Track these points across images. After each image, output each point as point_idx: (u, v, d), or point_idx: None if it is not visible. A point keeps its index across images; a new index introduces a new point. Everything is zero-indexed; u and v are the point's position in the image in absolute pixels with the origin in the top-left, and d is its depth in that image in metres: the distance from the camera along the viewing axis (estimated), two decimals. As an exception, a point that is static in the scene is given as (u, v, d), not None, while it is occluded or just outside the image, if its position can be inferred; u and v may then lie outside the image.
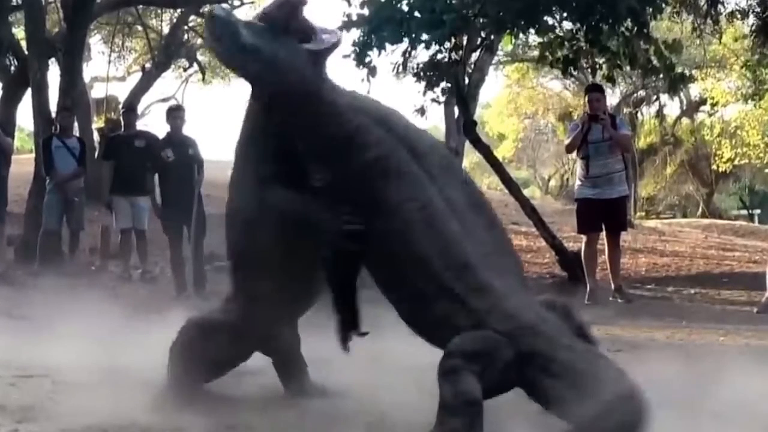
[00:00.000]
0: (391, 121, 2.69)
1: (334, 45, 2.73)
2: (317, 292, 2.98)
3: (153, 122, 22.47)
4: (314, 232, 2.64)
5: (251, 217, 2.83)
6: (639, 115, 22.89)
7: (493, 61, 16.91)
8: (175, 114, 7.97)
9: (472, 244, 2.49)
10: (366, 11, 8.70)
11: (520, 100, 24.31)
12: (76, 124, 11.00)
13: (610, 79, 9.62)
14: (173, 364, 2.98)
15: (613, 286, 7.24)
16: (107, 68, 18.43)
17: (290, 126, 2.73)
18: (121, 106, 14.81)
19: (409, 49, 8.89)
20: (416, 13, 8.27)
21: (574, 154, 7.84)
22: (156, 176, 7.76)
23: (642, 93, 21.69)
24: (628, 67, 9.87)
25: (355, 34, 8.71)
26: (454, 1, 8.49)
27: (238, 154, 2.94)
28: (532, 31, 9.28)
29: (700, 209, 23.60)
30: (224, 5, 2.60)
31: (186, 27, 17.58)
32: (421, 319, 2.55)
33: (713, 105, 21.27)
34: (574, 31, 8.94)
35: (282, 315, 2.99)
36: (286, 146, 2.73)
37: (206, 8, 16.12)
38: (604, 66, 9.29)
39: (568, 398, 2.26)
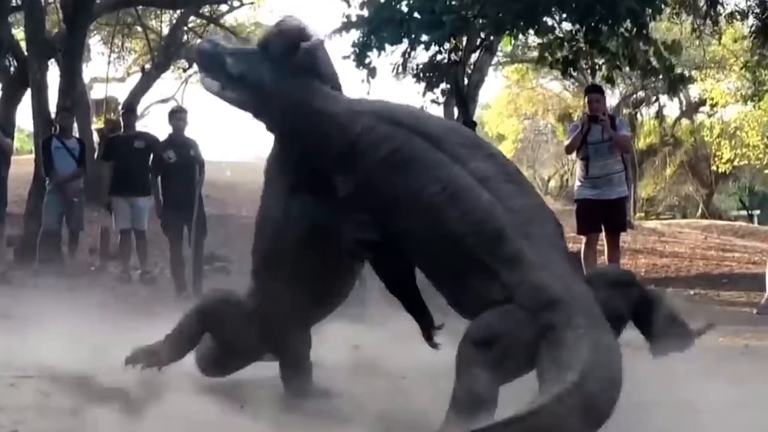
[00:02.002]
0: (397, 115, 2.68)
1: (312, 48, 2.73)
2: (337, 299, 3.08)
3: (152, 123, 22.44)
4: (335, 240, 2.69)
5: (279, 225, 2.91)
6: (638, 115, 22.88)
7: (493, 62, 16.91)
8: (177, 116, 7.99)
9: (506, 213, 2.43)
10: (365, 12, 8.72)
11: (519, 100, 24.29)
12: (75, 125, 11.00)
13: (610, 80, 9.63)
14: (184, 322, 3.17)
15: (612, 286, 7.23)
16: (107, 69, 18.39)
17: (296, 144, 2.77)
18: (120, 106, 14.78)
19: (408, 50, 8.91)
20: (416, 14, 8.30)
21: (573, 155, 7.84)
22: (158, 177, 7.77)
23: (641, 94, 21.70)
24: (627, 68, 9.90)
25: (355, 35, 8.73)
26: (453, 2, 8.51)
27: (268, 166, 3.02)
28: (531, 32, 9.31)
29: (700, 210, 23.58)
30: (211, 36, 2.72)
31: (185, 28, 17.56)
32: (462, 300, 2.52)
33: (713, 106, 21.26)
34: (573, 32, 8.97)
35: (296, 318, 3.05)
36: (303, 159, 2.77)
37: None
38: (603, 67, 9.31)
39: (546, 377, 2.21)
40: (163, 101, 21.35)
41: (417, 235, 2.54)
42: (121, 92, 19.39)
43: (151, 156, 8.01)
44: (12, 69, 13.55)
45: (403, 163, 2.55)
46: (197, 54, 2.95)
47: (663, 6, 9.40)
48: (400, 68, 9.16)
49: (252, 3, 18.08)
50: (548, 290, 2.32)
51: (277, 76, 2.72)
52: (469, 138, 2.69)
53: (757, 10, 11.32)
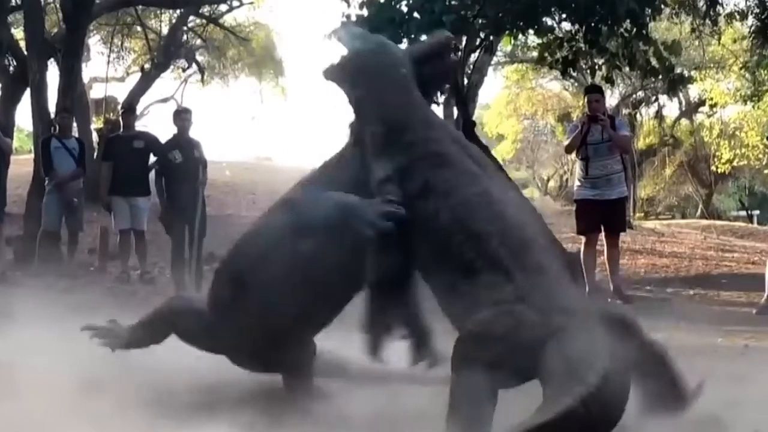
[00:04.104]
0: (454, 132, 2.97)
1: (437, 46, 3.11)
2: (335, 311, 2.98)
3: (152, 123, 22.42)
4: (356, 214, 2.61)
5: (294, 219, 2.82)
6: (638, 116, 22.86)
7: (492, 62, 16.93)
8: (182, 116, 8.00)
9: (534, 229, 2.55)
10: (365, 12, 8.71)
11: (519, 100, 24.28)
12: (75, 125, 10.99)
13: (609, 80, 9.63)
14: (152, 317, 3.25)
15: (612, 287, 7.24)
16: (106, 69, 18.40)
17: (367, 92, 2.85)
18: (120, 106, 14.77)
19: (408, 50, 8.88)
20: (415, 14, 8.29)
21: (573, 155, 7.85)
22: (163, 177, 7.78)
23: (641, 94, 21.68)
24: (627, 68, 9.91)
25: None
26: (453, 2, 8.50)
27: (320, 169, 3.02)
28: (531, 32, 9.32)
29: (699, 210, 23.57)
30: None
31: (185, 28, 17.57)
32: (461, 295, 2.44)
33: (712, 106, 21.24)
34: (573, 32, 8.97)
35: (299, 321, 2.93)
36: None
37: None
38: (603, 67, 9.32)
39: (555, 377, 2.15)
40: (163, 101, 21.36)
41: (440, 220, 2.54)
42: (120, 92, 19.40)
43: (155, 157, 8.03)
44: (12, 69, 13.55)
45: (447, 164, 2.66)
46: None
47: (663, 6, 9.41)
48: (400, 68, 9.15)
49: (252, 3, 18.10)
50: (564, 298, 2.34)
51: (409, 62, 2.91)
52: (503, 177, 3.00)
53: (757, 11, 11.33)
